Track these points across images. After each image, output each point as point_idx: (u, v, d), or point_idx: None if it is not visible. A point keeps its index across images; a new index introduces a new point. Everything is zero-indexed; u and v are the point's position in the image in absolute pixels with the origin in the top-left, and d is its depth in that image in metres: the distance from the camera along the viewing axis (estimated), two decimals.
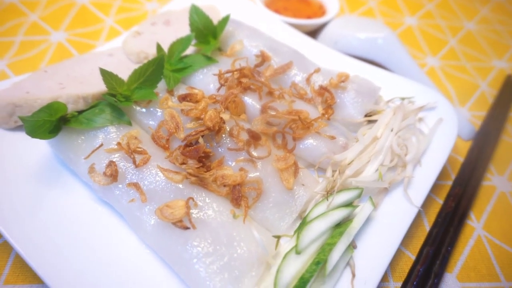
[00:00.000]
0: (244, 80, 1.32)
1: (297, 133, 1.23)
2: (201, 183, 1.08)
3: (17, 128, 1.21)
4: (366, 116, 1.38)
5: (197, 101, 1.25)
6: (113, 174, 1.05)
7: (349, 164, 1.21)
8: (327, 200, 1.09)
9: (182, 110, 1.20)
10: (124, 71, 1.29)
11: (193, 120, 1.19)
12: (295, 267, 0.94)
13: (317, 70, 1.41)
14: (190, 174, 1.07)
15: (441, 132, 1.34)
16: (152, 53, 1.47)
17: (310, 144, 1.24)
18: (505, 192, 1.39)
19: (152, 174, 1.07)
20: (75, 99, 1.22)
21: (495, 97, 1.73)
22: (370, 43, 1.72)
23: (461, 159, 1.47)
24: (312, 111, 1.32)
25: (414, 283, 1.08)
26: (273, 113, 1.25)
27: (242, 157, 1.15)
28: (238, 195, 1.07)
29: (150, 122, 1.25)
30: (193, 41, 1.44)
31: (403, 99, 1.42)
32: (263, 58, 1.42)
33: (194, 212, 1.01)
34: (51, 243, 1.00)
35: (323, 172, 1.23)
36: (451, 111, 1.39)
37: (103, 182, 1.05)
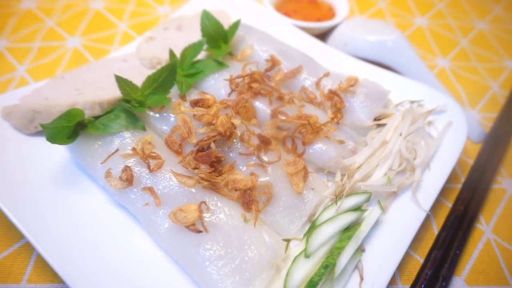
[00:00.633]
0: (254, 85, 1.35)
1: (306, 138, 1.25)
2: (213, 187, 1.12)
3: (37, 133, 1.26)
4: (375, 119, 1.39)
5: (208, 106, 1.28)
6: (128, 179, 1.09)
7: (358, 168, 1.23)
8: (336, 204, 1.11)
9: (194, 115, 1.24)
10: (138, 77, 1.33)
11: (205, 125, 1.22)
12: (304, 270, 0.97)
13: (327, 74, 1.43)
14: (202, 178, 1.10)
15: (451, 136, 1.34)
16: (164, 58, 1.51)
17: (319, 148, 1.26)
18: None
19: (166, 178, 1.11)
20: (91, 105, 1.27)
21: (506, 99, 1.72)
22: (379, 46, 1.73)
23: (471, 161, 1.47)
24: (322, 115, 1.34)
25: (422, 286, 1.10)
26: (283, 118, 1.28)
27: (252, 162, 1.18)
28: (249, 199, 1.10)
29: (164, 127, 1.28)
30: (205, 46, 1.47)
31: (412, 102, 1.43)
32: (273, 63, 1.44)
33: (206, 215, 1.05)
34: (71, 244, 1.05)
35: (333, 176, 1.26)
36: (461, 114, 1.39)
37: (119, 186, 1.09)
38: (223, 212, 1.07)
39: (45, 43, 1.78)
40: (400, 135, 1.28)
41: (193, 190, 1.09)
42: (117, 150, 1.15)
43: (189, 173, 1.12)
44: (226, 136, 1.18)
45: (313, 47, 1.66)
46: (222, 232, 1.02)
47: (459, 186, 1.39)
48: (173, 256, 1.05)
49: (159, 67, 1.29)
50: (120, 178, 1.09)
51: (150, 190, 1.09)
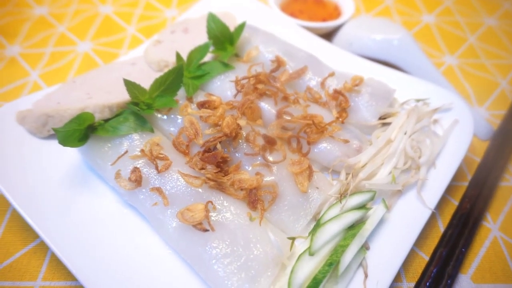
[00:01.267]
0: (260, 86, 1.37)
1: (311, 137, 1.27)
2: (219, 187, 1.14)
3: (50, 137, 1.30)
4: (381, 118, 1.40)
5: (215, 108, 1.30)
6: (137, 180, 1.12)
7: (362, 167, 1.24)
8: (341, 203, 1.13)
9: (201, 116, 1.26)
10: (146, 80, 1.36)
11: (211, 126, 1.25)
12: (308, 268, 0.99)
13: (332, 74, 1.44)
14: (209, 178, 1.13)
15: (457, 134, 1.34)
16: (172, 61, 1.54)
17: (324, 148, 1.27)
18: None
19: (174, 179, 1.14)
20: (101, 108, 1.30)
21: None
22: (385, 45, 1.73)
23: (478, 159, 1.46)
24: (327, 115, 1.36)
25: (427, 283, 1.11)
26: (288, 118, 1.30)
27: (258, 162, 1.20)
28: (254, 198, 1.13)
29: (171, 129, 1.31)
30: (211, 48, 1.50)
31: (418, 101, 1.43)
32: (278, 63, 1.46)
33: (213, 215, 1.07)
34: (83, 243, 1.09)
35: (338, 175, 1.27)
36: (467, 111, 1.39)
37: (129, 187, 1.13)
38: (229, 211, 1.09)
39: (57, 48, 1.84)
40: (405, 133, 1.28)
41: (200, 190, 1.12)
42: (126, 152, 1.19)
43: (196, 174, 1.15)
44: (232, 137, 1.21)
45: (319, 47, 1.67)
46: (228, 230, 1.05)
47: (465, 184, 1.38)
48: (181, 255, 1.08)
49: (166, 70, 1.32)
50: (129, 179, 1.13)
51: (158, 190, 1.12)
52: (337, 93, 1.37)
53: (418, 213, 1.17)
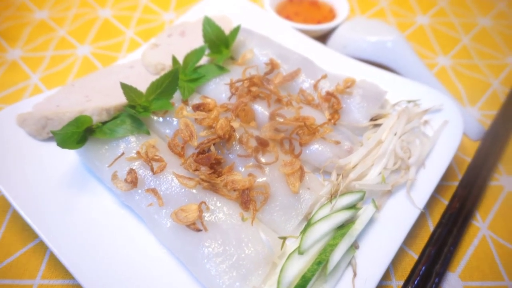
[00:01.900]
0: (253, 88, 1.40)
1: (303, 139, 1.30)
2: (213, 188, 1.17)
3: (49, 139, 1.34)
4: (373, 119, 1.43)
5: (209, 110, 1.34)
6: (133, 181, 1.16)
7: (353, 167, 1.26)
8: (331, 203, 1.16)
9: (196, 119, 1.30)
10: (144, 83, 1.39)
11: (205, 128, 1.28)
12: (298, 266, 1.02)
13: (324, 76, 1.47)
14: (202, 180, 1.16)
15: (446, 134, 1.37)
16: (168, 64, 1.57)
17: (315, 149, 1.30)
18: None
19: (168, 180, 1.17)
20: (99, 111, 1.33)
21: (506, 96, 1.73)
22: (379, 46, 1.76)
23: (469, 159, 1.49)
24: (320, 117, 1.38)
25: (415, 281, 1.14)
26: (280, 120, 1.33)
27: (251, 163, 1.23)
28: (247, 199, 1.16)
29: (167, 131, 1.35)
30: (207, 51, 1.53)
31: (409, 102, 1.46)
32: (272, 66, 1.49)
33: (206, 215, 1.10)
34: (80, 242, 1.12)
35: (329, 176, 1.30)
36: (457, 112, 1.41)
37: (125, 188, 1.16)
38: (222, 211, 1.12)
39: (57, 52, 1.87)
40: (395, 134, 1.31)
41: (194, 191, 1.15)
42: (122, 154, 1.22)
43: (190, 175, 1.18)
44: (226, 139, 1.24)
45: (313, 50, 1.70)
46: (221, 230, 1.08)
47: (456, 183, 1.41)
48: (175, 254, 1.11)
49: (163, 73, 1.35)
50: (125, 180, 1.16)
51: (154, 191, 1.15)
52: (329, 95, 1.40)
53: (407, 212, 1.19)
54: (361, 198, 1.18)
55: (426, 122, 1.42)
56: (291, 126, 1.32)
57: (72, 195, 1.23)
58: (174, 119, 1.35)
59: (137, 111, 1.31)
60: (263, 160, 1.23)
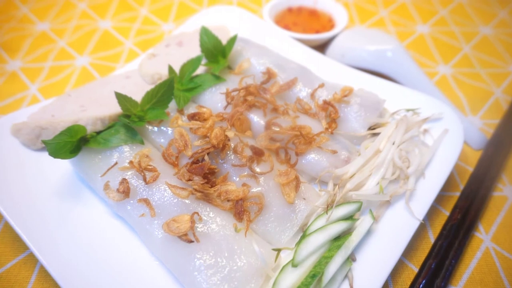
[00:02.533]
0: (249, 98, 1.38)
1: (299, 148, 1.28)
2: (206, 198, 1.15)
3: (43, 149, 1.33)
4: (371, 128, 1.40)
5: (205, 120, 1.32)
6: (125, 191, 1.14)
7: (350, 177, 1.23)
8: (327, 213, 1.12)
9: (190, 128, 1.28)
10: (140, 92, 1.38)
11: (200, 138, 1.27)
12: (291, 279, 0.99)
13: (321, 85, 1.45)
14: (195, 190, 1.14)
15: (447, 143, 1.34)
16: (165, 74, 1.57)
17: (312, 158, 1.28)
18: None
19: (161, 190, 1.15)
20: (93, 120, 1.33)
21: (509, 104, 1.69)
22: (377, 55, 1.74)
23: (471, 169, 1.45)
24: (317, 126, 1.36)
25: None
26: (276, 129, 1.31)
27: (245, 173, 1.21)
28: (240, 209, 1.13)
29: (161, 140, 1.33)
30: (204, 61, 1.52)
31: (408, 110, 1.43)
32: (269, 75, 1.48)
33: (199, 226, 1.08)
34: (71, 254, 1.10)
35: (326, 186, 1.27)
36: (457, 121, 1.38)
37: (117, 198, 1.14)
38: (215, 222, 1.10)
39: (56, 63, 1.88)
40: (394, 143, 1.28)
41: (187, 201, 1.13)
42: (115, 164, 1.21)
43: (183, 185, 1.16)
44: (220, 148, 1.22)
45: (312, 59, 1.69)
46: (213, 242, 1.05)
47: (458, 194, 1.37)
48: (167, 265, 1.08)
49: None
50: (118, 190, 1.14)
51: (146, 201, 1.13)
52: (327, 104, 1.38)
53: (406, 224, 1.16)
54: (358, 209, 1.15)
55: (425, 131, 1.39)
56: (287, 135, 1.30)
57: (64, 206, 1.22)
58: (169, 128, 1.34)
59: (131, 120, 1.30)
60: (257, 169, 1.21)
